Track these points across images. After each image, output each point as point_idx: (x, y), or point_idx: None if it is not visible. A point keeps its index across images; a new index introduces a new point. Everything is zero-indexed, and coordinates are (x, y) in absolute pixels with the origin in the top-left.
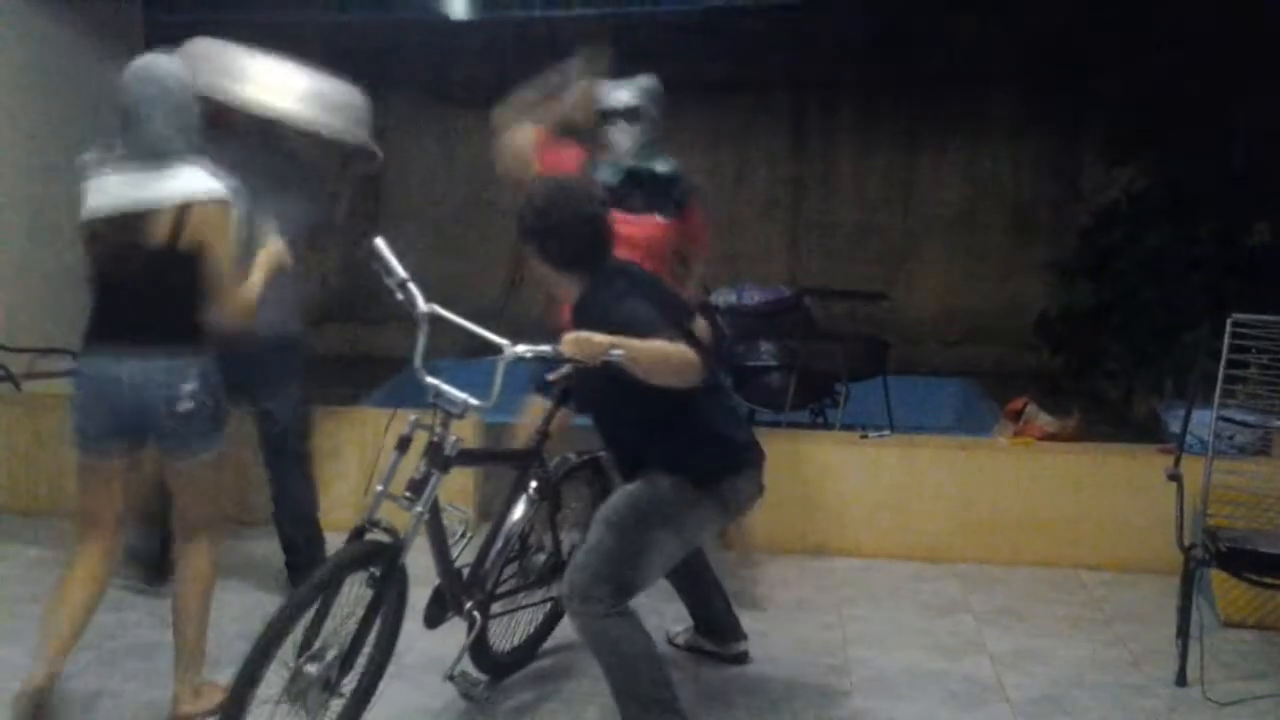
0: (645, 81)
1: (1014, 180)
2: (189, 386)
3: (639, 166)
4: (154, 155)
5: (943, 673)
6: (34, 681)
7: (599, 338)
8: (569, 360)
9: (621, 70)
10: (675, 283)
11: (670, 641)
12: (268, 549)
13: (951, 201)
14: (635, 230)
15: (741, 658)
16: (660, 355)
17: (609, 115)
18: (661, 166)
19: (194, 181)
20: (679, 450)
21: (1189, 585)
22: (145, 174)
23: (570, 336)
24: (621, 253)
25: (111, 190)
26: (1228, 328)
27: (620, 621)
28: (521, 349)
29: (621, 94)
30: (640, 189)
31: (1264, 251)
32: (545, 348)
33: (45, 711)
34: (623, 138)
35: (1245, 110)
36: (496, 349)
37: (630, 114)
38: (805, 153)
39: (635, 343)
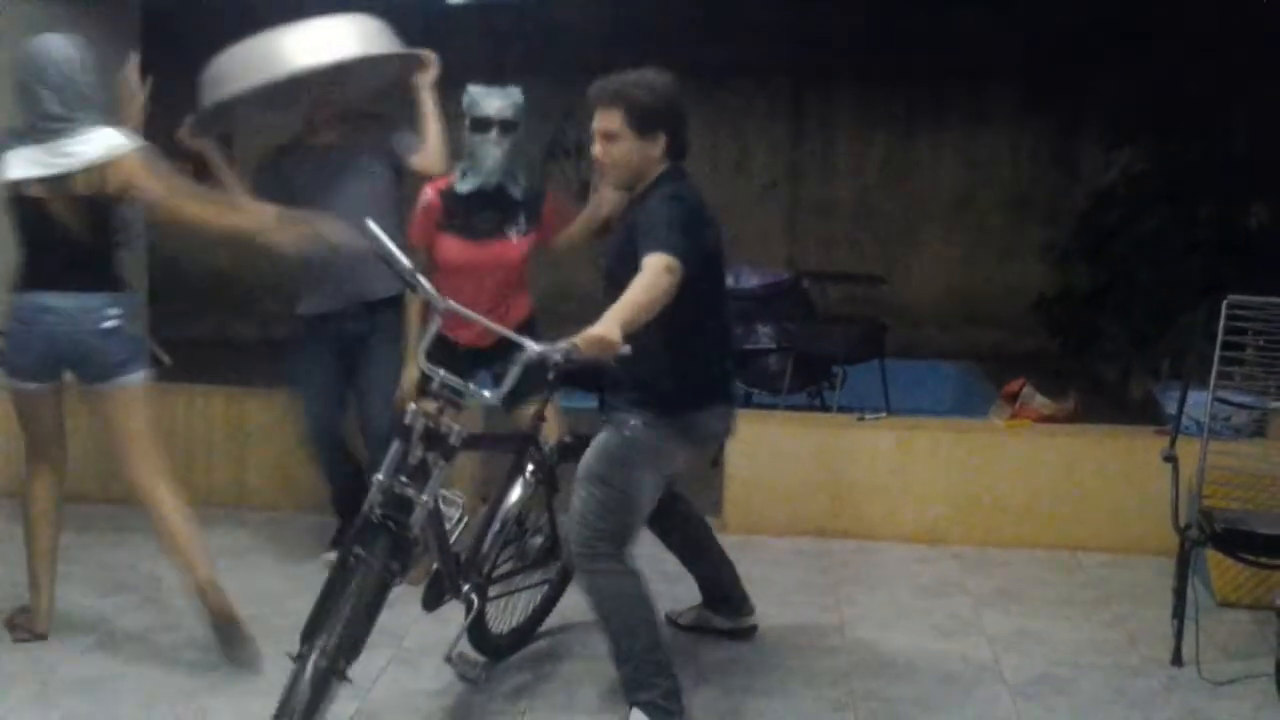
0: (517, 95)
1: (1012, 163)
2: (113, 312)
3: (495, 184)
4: (61, 124)
5: (940, 654)
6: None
7: (613, 336)
8: (587, 360)
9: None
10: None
11: (673, 622)
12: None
13: (949, 185)
14: (485, 258)
15: (751, 631)
16: (641, 305)
17: (481, 123)
18: (516, 190)
19: (106, 140)
20: (646, 382)
21: (1184, 566)
22: (59, 141)
23: (585, 336)
24: (468, 281)
25: (31, 158)
26: (1224, 309)
27: (627, 581)
28: (541, 349)
29: (498, 103)
30: (492, 208)
31: (1261, 233)
32: (563, 346)
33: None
34: (492, 150)
35: (1243, 93)
36: (517, 348)
37: (506, 126)
38: (804, 136)
39: (622, 314)
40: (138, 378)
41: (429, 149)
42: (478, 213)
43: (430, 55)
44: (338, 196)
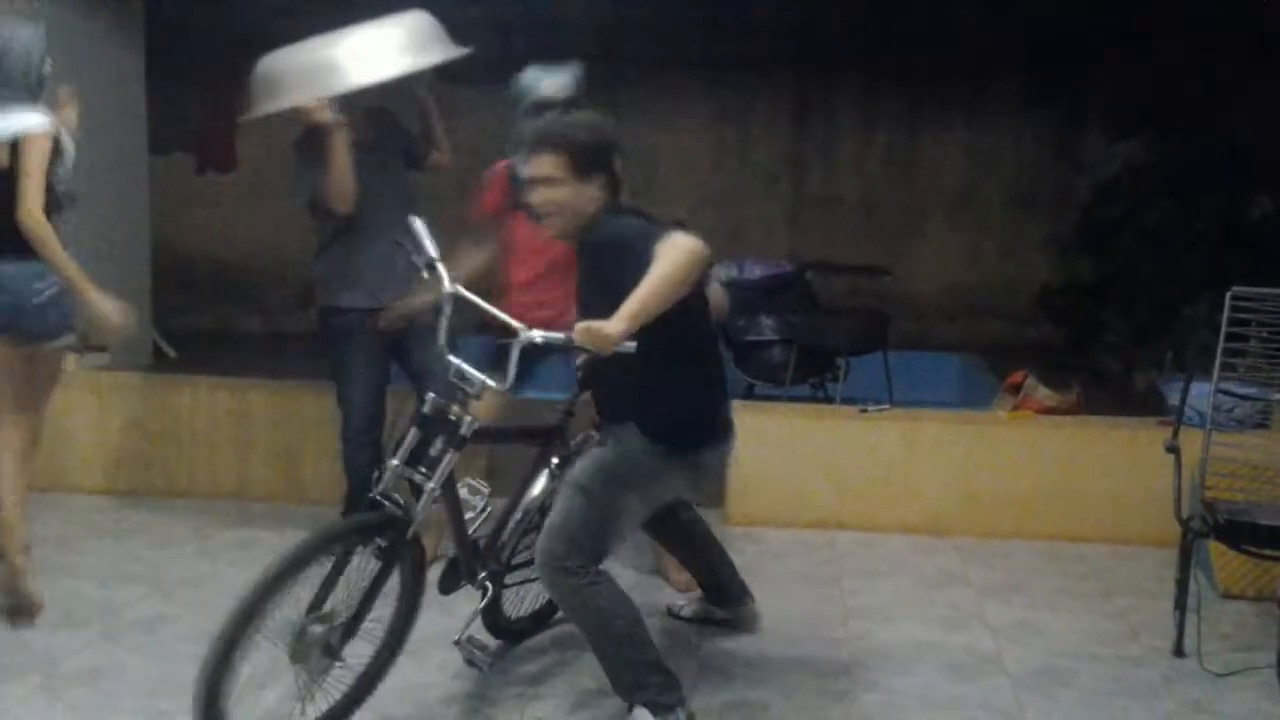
0: (575, 70)
1: (1015, 155)
2: (41, 285)
3: None
4: None
5: (942, 645)
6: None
7: (610, 328)
8: (580, 349)
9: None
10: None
11: (674, 614)
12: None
13: (953, 177)
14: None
15: (754, 621)
16: (664, 280)
17: (542, 105)
18: None
19: (25, 120)
20: (660, 417)
21: (1187, 557)
22: None
23: (582, 326)
24: (538, 265)
25: None
26: (1227, 301)
27: (599, 588)
28: (536, 334)
29: (557, 82)
30: None
31: (1264, 225)
32: (559, 335)
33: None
34: None
35: (1244, 85)
36: (512, 332)
37: (569, 105)
38: (807, 128)
39: (639, 300)
40: (65, 341)
41: (444, 147)
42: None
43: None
44: (380, 192)
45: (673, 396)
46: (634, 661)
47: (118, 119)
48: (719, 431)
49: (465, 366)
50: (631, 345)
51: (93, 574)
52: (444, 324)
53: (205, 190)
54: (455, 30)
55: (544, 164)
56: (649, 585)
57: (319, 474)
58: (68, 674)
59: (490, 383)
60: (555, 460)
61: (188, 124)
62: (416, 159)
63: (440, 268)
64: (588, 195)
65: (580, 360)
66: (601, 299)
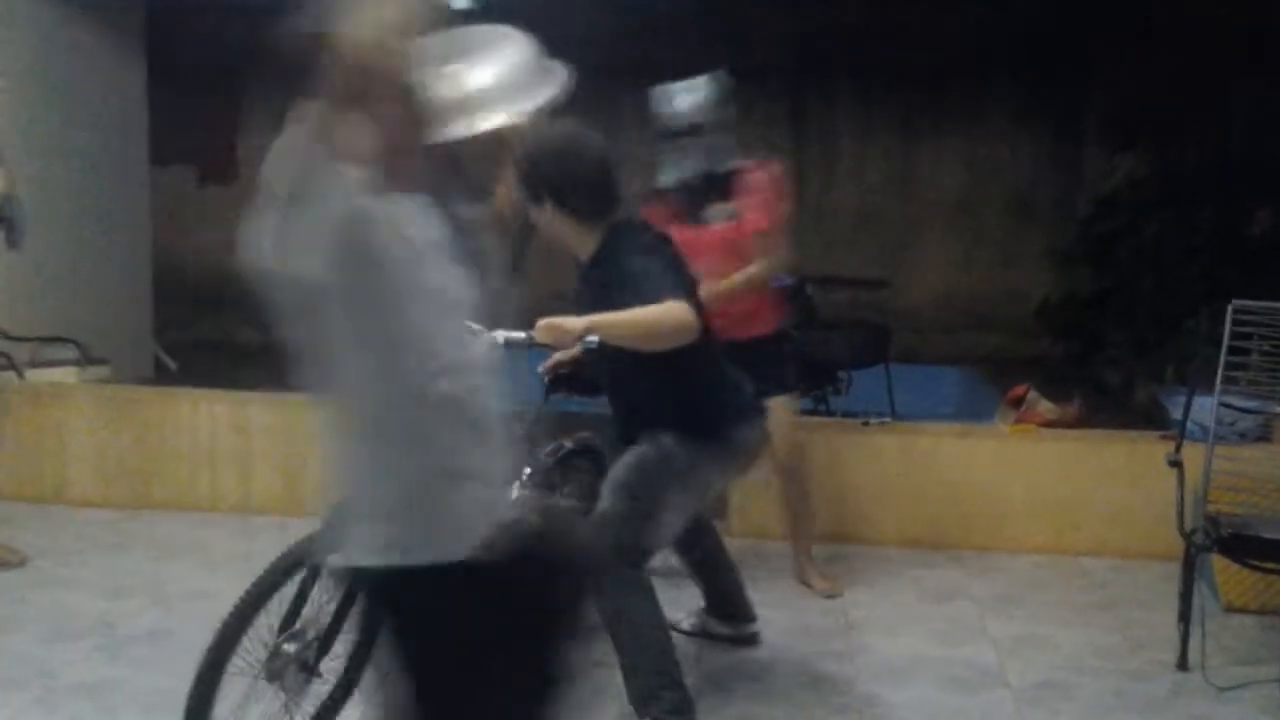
0: (708, 85)
1: (1014, 167)
2: None
3: (697, 175)
4: None
5: (944, 659)
6: None
7: (570, 323)
8: (542, 346)
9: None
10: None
11: (674, 627)
12: None
13: (952, 188)
14: (698, 244)
15: (753, 639)
16: (647, 323)
17: (676, 131)
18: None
19: None
20: (684, 406)
21: (1190, 571)
22: None
23: (543, 323)
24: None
25: None
26: (1229, 314)
27: (636, 592)
28: (497, 335)
29: (683, 106)
30: (696, 192)
31: (1264, 238)
32: (520, 334)
33: None
34: (689, 156)
35: (1246, 97)
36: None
37: (694, 130)
38: (805, 140)
39: (613, 318)
40: None
41: None
42: (688, 198)
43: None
44: None
45: (697, 394)
46: (653, 671)
47: (119, 131)
48: (745, 407)
49: None
50: (594, 340)
51: (93, 587)
52: None
53: (207, 202)
54: None
55: (545, 209)
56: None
57: (321, 487)
58: (66, 687)
59: None
60: (527, 470)
61: (189, 136)
62: None
63: None
64: (541, 220)
65: (544, 365)
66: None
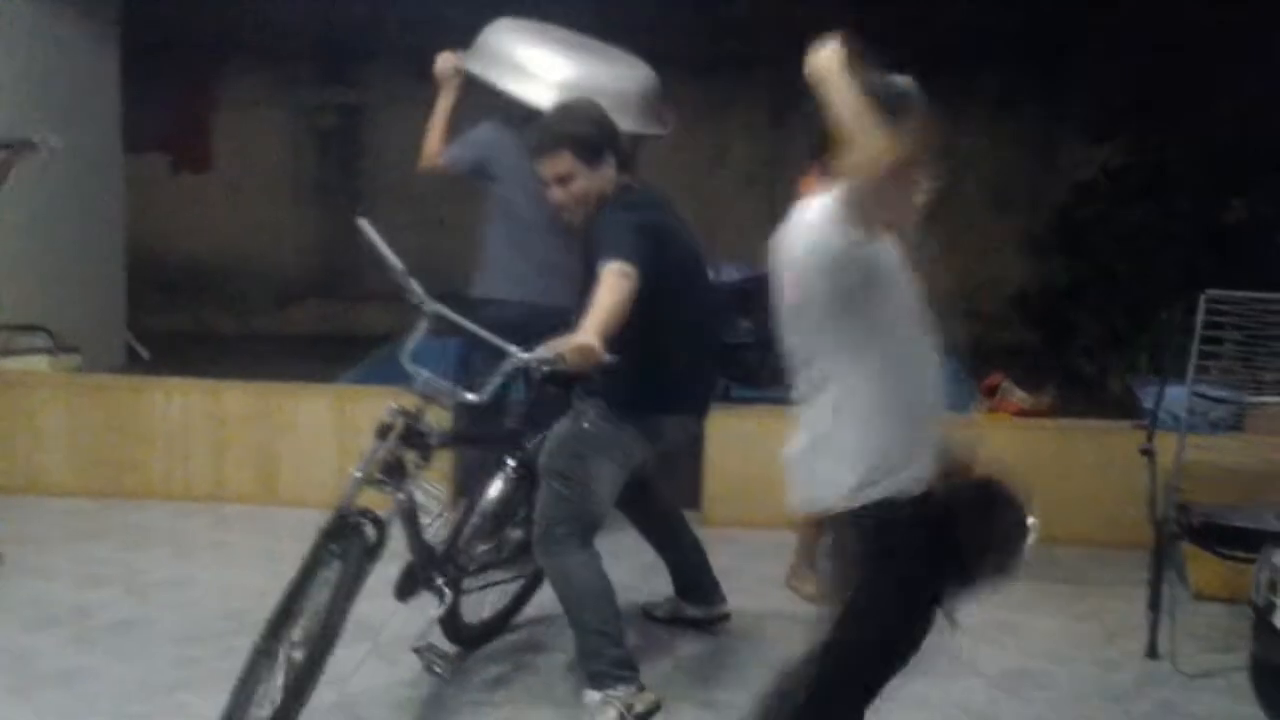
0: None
1: (993, 157)
2: None
3: None
4: None
5: None
6: None
7: (595, 344)
8: (573, 370)
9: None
10: None
11: (650, 616)
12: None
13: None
14: None
15: (724, 619)
16: (607, 307)
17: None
18: None
19: None
20: (621, 385)
21: (1161, 559)
22: None
23: (573, 347)
24: None
25: None
26: (1202, 304)
27: (579, 560)
28: (526, 357)
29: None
30: None
31: (1239, 228)
32: (550, 356)
33: None
34: None
35: (1224, 88)
36: (501, 353)
37: None
38: (784, 129)
39: (594, 321)
40: None
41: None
42: None
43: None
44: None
45: (635, 366)
46: (596, 632)
47: (92, 118)
48: (682, 402)
49: (433, 377)
50: (611, 357)
51: (66, 576)
52: (415, 338)
53: (180, 190)
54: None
55: (555, 162)
56: (626, 587)
57: (295, 476)
58: (39, 676)
59: (468, 396)
60: (512, 463)
61: (163, 123)
62: None
63: (414, 283)
64: (604, 178)
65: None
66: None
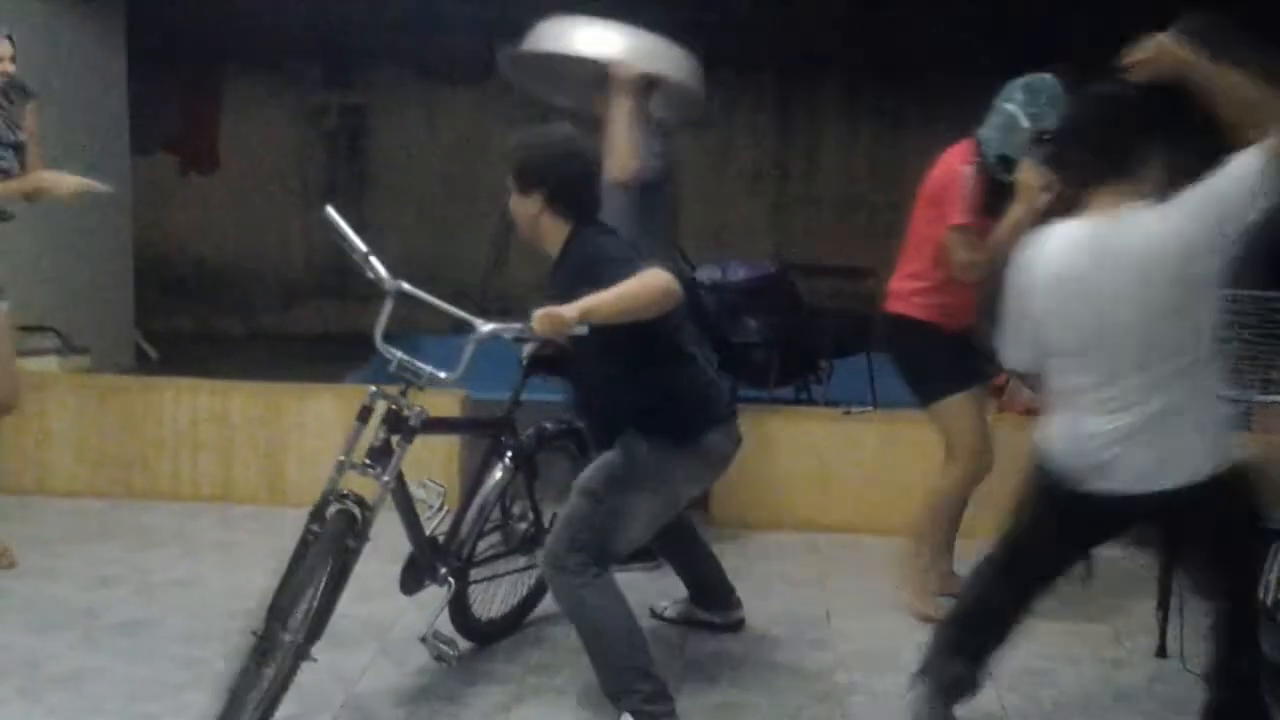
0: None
1: None
2: None
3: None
4: None
5: (924, 646)
6: None
7: (566, 312)
8: (540, 338)
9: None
10: None
11: (657, 615)
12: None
13: None
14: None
15: (739, 625)
16: (630, 295)
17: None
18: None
19: None
20: (655, 409)
21: (1169, 558)
22: None
23: (540, 314)
24: None
25: None
26: None
27: (595, 589)
28: (492, 327)
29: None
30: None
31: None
32: (517, 325)
33: None
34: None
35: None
36: (468, 327)
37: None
38: (790, 128)
39: (602, 296)
40: None
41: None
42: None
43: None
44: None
45: (664, 396)
46: (623, 666)
47: (99, 119)
48: (719, 413)
49: (409, 359)
50: (584, 329)
51: (74, 577)
52: (384, 318)
53: (188, 191)
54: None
55: (533, 200)
56: (633, 586)
57: (301, 476)
58: (48, 677)
59: (439, 374)
60: (508, 453)
61: (171, 124)
62: None
63: (375, 261)
64: (525, 210)
65: (527, 350)
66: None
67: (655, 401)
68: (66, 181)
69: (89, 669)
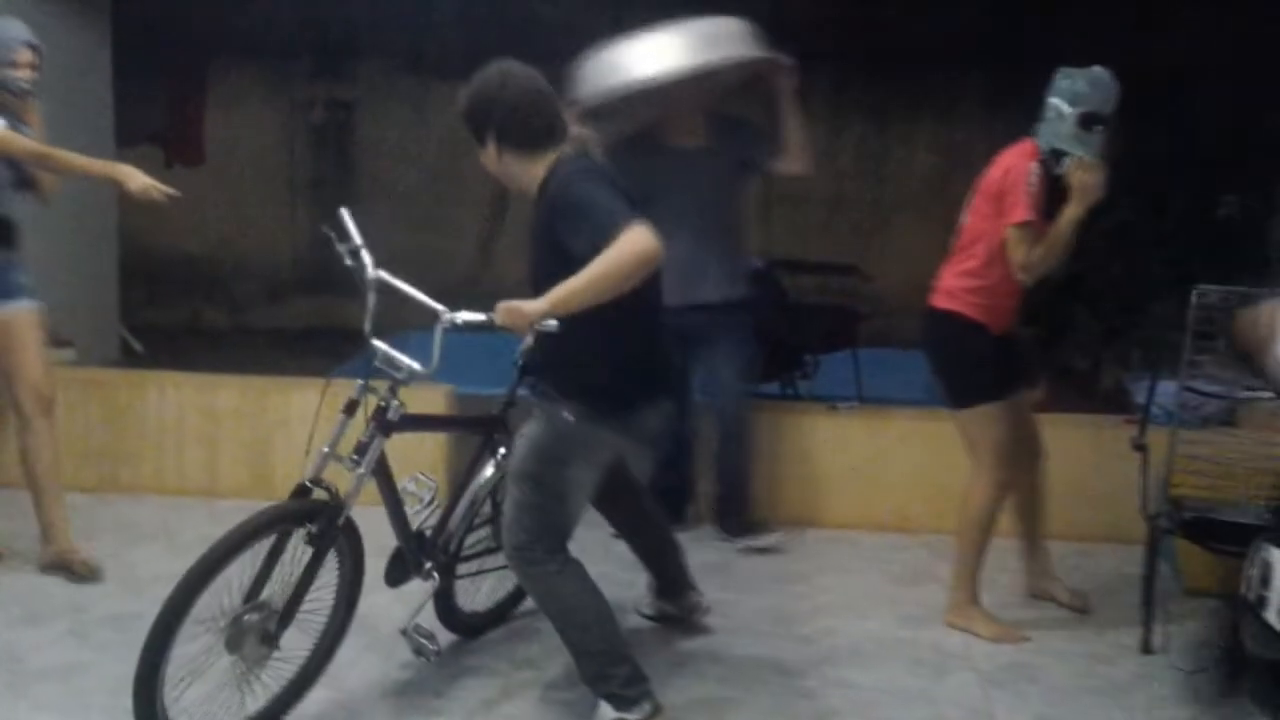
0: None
1: (986, 152)
2: None
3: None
4: None
5: (911, 641)
6: None
7: (530, 306)
8: (503, 329)
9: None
10: None
11: (639, 614)
12: None
13: (922, 173)
14: None
15: (700, 609)
16: (600, 277)
17: (1092, 119)
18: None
19: None
20: (587, 386)
21: (1153, 554)
22: None
23: (503, 306)
24: None
25: None
26: (1193, 299)
27: (564, 577)
28: (457, 316)
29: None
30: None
31: (1230, 224)
32: (480, 316)
33: None
34: (1088, 144)
35: (1215, 83)
36: (433, 315)
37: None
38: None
39: (571, 286)
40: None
41: (793, 152)
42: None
43: (786, 59)
44: (694, 196)
45: (600, 364)
46: (598, 652)
47: (84, 112)
48: (653, 385)
49: (393, 353)
50: (554, 324)
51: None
52: (370, 310)
53: (173, 184)
54: (425, 23)
55: (490, 145)
56: (619, 582)
57: (288, 470)
58: (35, 671)
59: (417, 367)
60: (501, 450)
61: (156, 118)
62: (756, 164)
63: (364, 255)
64: (491, 161)
65: (521, 348)
66: (555, 263)
67: (589, 370)
68: (139, 178)
69: (75, 663)
